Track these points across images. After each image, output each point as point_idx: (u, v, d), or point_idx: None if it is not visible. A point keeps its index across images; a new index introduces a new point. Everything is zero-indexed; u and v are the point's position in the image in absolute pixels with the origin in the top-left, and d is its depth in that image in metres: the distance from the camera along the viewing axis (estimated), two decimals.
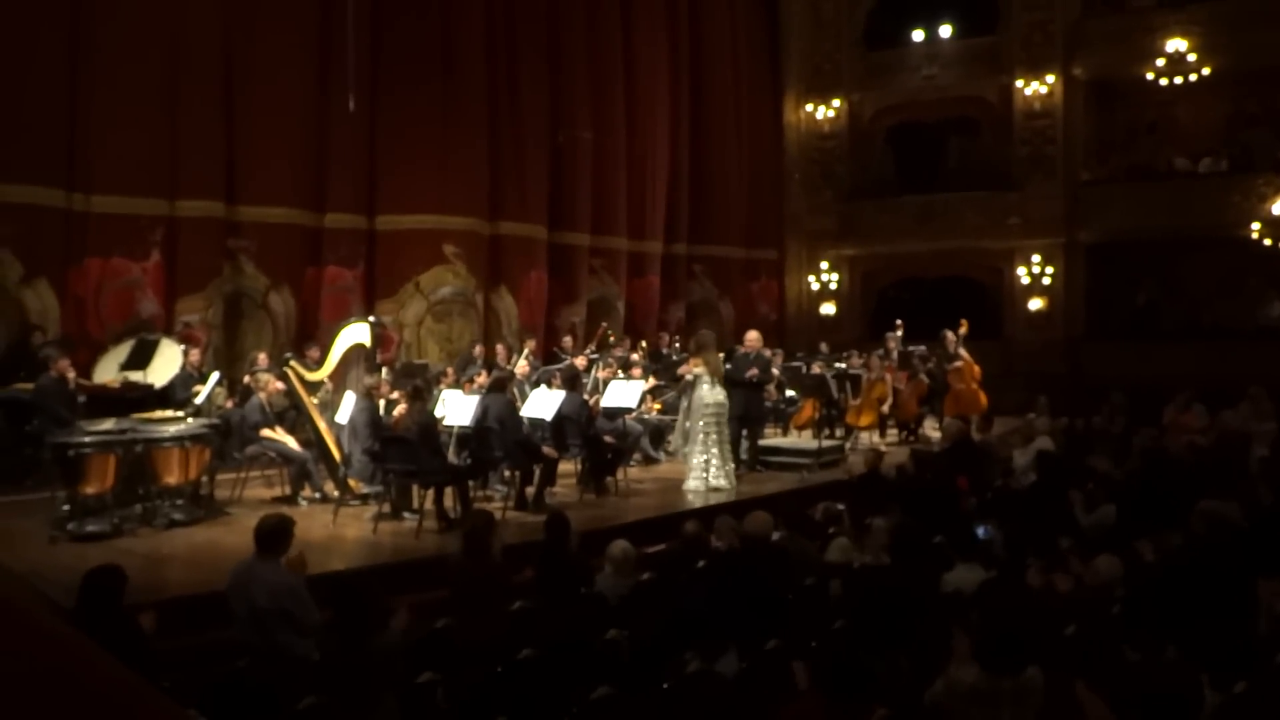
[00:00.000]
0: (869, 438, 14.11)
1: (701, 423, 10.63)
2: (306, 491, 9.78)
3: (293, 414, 10.45)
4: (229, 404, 10.69)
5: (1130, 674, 3.23)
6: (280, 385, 10.10)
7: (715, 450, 10.66)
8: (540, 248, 16.31)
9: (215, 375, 10.41)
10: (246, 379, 10.58)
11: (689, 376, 10.81)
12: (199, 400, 9.76)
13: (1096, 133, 20.04)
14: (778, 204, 21.17)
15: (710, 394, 10.63)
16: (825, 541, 7.61)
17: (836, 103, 21.14)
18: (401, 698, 4.40)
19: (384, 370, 11.15)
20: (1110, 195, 19.16)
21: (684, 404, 11.06)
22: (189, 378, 10.61)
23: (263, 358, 11.46)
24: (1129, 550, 6.41)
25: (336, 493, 9.53)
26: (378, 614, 5.01)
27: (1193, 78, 17.69)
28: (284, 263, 13.72)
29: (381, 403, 9.86)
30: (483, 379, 10.58)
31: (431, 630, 5.29)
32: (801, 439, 13.53)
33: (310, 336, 13.03)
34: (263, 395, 9.81)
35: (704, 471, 10.61)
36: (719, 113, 19.71)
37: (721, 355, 11.37)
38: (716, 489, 10.52)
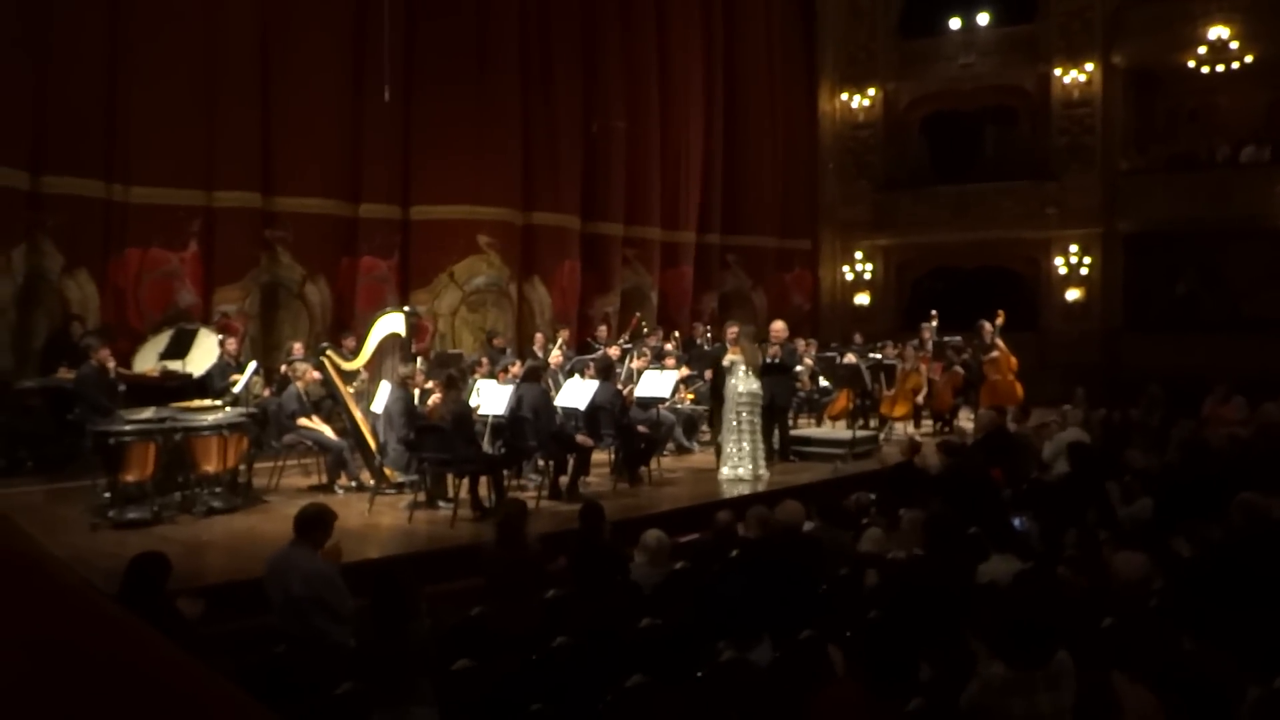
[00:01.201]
0: (903, 429, 14.04)
1: (735, 412, 10.64)
2: (343, 480, 9.86)
3: (329, 403, 10.54)
4: (266, 393, 10.80)
5: (1170, 667, 3.20)
6: (317, 375, 10.18)
7: (748, 440, 10.66)
8: (574, 238, 16.34)
9: (253, 364, 10.51)
10: (283, 368, 10.68)
11: (725, 363, 10.83)
12: (237, 389, 9.86)
13: (1136, 122, 19.80)
14: (812, 194, 21.06)
15: (744, 383, 10.62)
16: (859, 532, 7.59)
17: (872, 92, 21.01)
18: (437, 684, 4.44)
19: (419, 360, 11.21)
20: (1150, 185, 18.94)
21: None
22: (226, 367, 10.73)
23: (298, 347, 11.58)
24: (1165, 544, 6.34)
25: (372, 481, 9.60)
26: (414, 601, 5.05)
27: (1234, 65, 17.47)
28: (320, 253, 13.85)
29: (416, 392, 9.92)
30: (517, 369, 10.62)
31: (466, 618, 5.32)
32: (835, 429, 13.48)
33: (346, 326, 13.14)
34: (300, 385, 9.90)
35: (736, 460, 10.62)
36: (753, 102, 19.63)
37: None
38: (744, 479, 10.51)
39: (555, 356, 12.09)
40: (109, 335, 11.14)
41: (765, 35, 19.99)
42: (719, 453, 10.94)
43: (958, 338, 15.25)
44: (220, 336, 11.37)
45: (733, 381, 10.64)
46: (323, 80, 13.65)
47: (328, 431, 9.92)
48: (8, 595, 0.73)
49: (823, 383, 14.24)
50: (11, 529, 0.93)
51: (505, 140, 15.14)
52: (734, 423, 10.65)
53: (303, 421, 9.81)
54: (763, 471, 10.67)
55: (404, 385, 9.64)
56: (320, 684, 4.20)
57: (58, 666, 0.69)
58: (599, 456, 10.51)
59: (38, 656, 0.69)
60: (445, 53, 14.65)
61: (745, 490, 10.09)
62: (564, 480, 9.78)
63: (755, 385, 10.69)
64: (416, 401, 9.75)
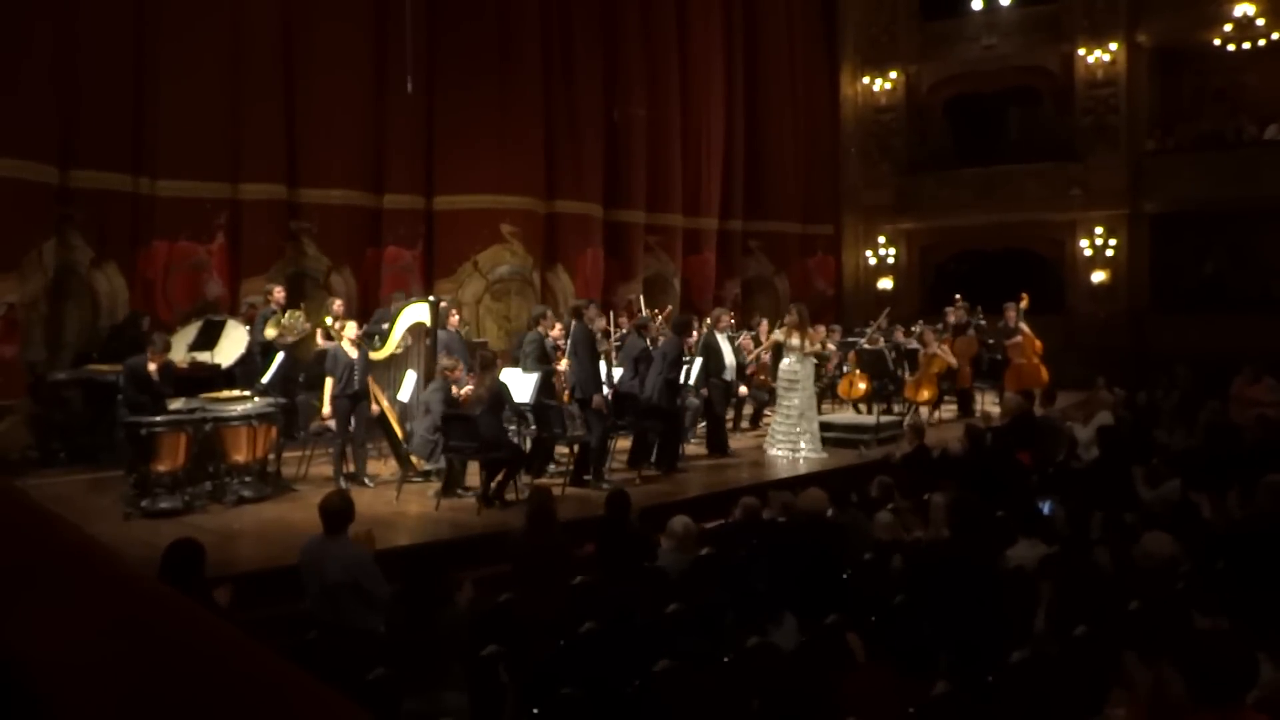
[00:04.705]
0: (927, 412, 14.00)
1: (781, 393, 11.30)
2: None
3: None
4: (321, 341, 10.88)
5: (1185, 645, 3.21)
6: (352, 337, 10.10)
7: (781, 418, 11.27)
8: (596, 226, 16.37)
9: (280, 355, 10.58)
10: (320, 339, 10.87)
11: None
12: (266, 379, 9.96)
13: (1161, 101, 19.59)
14: (834, 178, 20.99)
15: (785, 364, 11.22)
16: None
17: (894, 75, 20.87)
18: (467, 670, 4.50)
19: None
20: (1176, 165, 18.74)
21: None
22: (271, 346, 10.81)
23: (338, 304, 11.56)
24: (1191, 525, 6.33)
25: (400, 469, 9.68)
26: (444, 588, 5.12)
27: (1261, 43, 17.27)
28: (345, 244, 13.96)
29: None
30: (557, 331, 10.71)
31: (495, 604, 5.38)
32: (850, 414, 13.52)
33: (371, 316, 13.20)
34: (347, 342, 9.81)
35: (774, 439, 11.28)
36: (774, 87, 19.58)
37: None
38: (778, 457, 11.11)
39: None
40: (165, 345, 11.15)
41: (785, 19, 19.91)
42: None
43: (981, 320, 15.20)
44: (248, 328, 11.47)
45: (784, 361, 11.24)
46: (346, 73, 13.72)
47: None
48: (77, 581, 0.77)
49: (846, 368, 14.23)
50: (60, 521, 0.97)
51: (527, 129, 15.18)
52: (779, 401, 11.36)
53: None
54: (807, 453, 11.10)
55: (444, 376, 9.62)
56: (352, 670, 4.26)
57: (133, 647, 0.73)
58: (623, 444, 10.60)
59: (113, 637, 0.73)
60: (467, 44, 14.69)
61: (779, 473, 10.43)
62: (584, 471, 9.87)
63: (791, 366, 11.16)
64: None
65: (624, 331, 12.69)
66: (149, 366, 8.92)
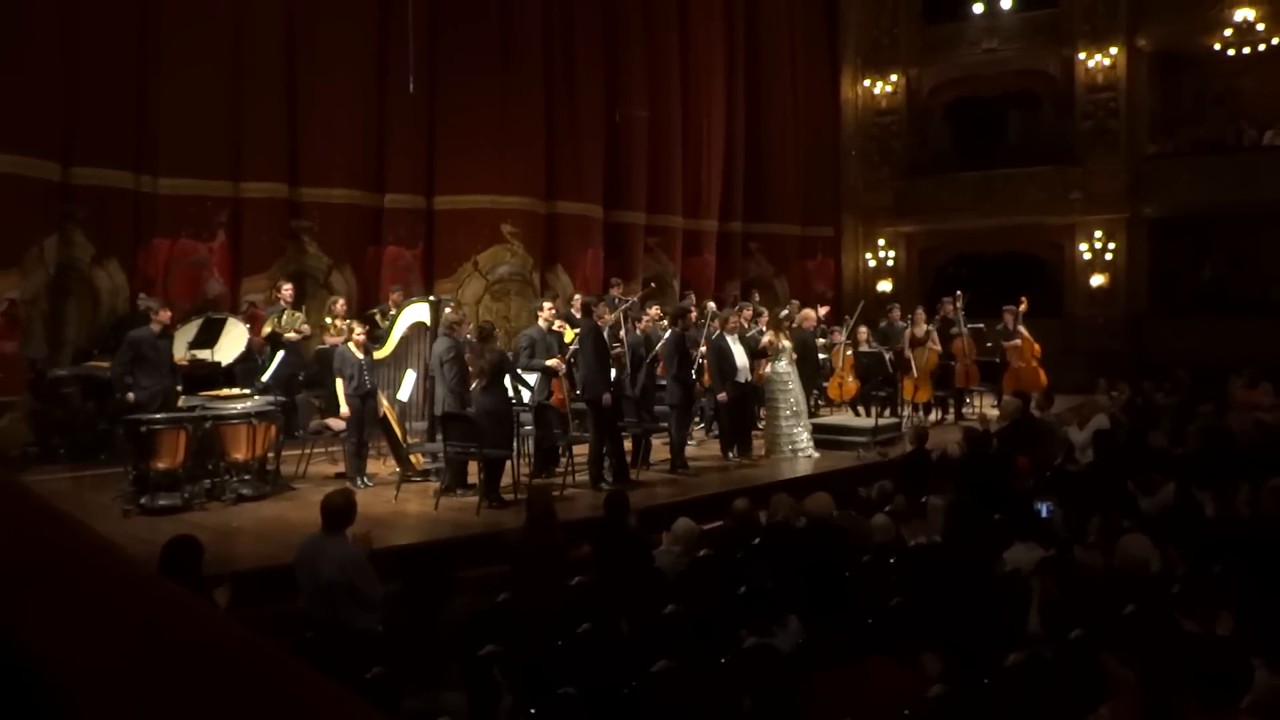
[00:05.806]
0: (924, 414, 13.99)
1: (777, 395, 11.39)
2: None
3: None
4: (329, 339, 10.92)
5: (1180, 650, 3.23)
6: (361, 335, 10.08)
7: (778, 421, 11.35)
8: (596, 226, 16.40)
9: (280, 354, 10.60)
10: (328, 337, 10.91)
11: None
12: (265, 378, 9.97)
13: (1161, 105, 19.63)
14: (834, 181, 21.01)
15: (777, 367, 11.29)
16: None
17: (894, 78, 20.90)
18: (465, 669, 4.51)
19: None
20: (1176, 169, 18.77)
21: None
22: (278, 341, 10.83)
23: (341, 303, 11.64)
24: (1188, 529, 6.35)
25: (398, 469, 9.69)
26: (444, 587, 5.13)
27: (1261, 48, 17.30)
28: (345, 243, 13.98)
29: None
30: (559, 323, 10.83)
31: (494, 604, 5.40)
32: (848, 416, 13.51)
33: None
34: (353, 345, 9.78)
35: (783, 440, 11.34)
36: (775, 89, 19.61)
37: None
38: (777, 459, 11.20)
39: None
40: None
41: (787, 22, 19.93)
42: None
43: (980, 325, 15.17)
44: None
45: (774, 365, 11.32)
46: (348, 72, 13.75)
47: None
48: (86, 577, 0.79)
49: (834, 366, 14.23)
50: (65, 516, 0.98)
51: (528, 130, 15.21)
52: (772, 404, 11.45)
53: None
54: (808, 451, 11.31)
55: (451, 332, 9.43)
56: (349, 669, 4.28)
57: (147, 643, 0.75)
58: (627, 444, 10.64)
59: (126, 633, 0.75)
60: (469, 44, 14.71)
61: (780, 474, 10.51)
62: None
63: (784, 368, 11.30)
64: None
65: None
66: (154, 326, 8.87)
